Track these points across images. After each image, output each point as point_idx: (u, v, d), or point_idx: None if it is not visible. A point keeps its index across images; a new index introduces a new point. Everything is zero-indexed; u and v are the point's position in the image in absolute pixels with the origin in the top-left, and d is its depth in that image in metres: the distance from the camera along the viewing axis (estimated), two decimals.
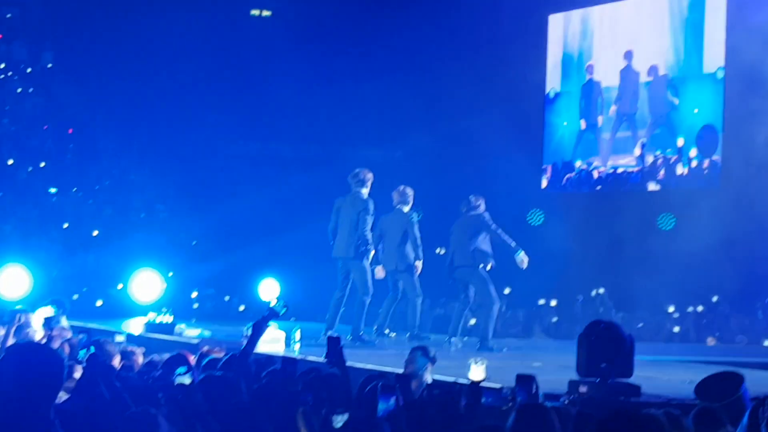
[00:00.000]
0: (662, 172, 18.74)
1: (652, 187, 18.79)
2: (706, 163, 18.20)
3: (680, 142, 18.51)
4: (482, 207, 13.08)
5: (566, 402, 7.49)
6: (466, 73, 19.54)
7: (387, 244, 13.29)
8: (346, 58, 20.24)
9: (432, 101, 19.98)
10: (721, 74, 17.92)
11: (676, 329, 17.41)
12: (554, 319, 17.66)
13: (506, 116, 19.08)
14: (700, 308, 17.99)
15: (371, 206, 12.86)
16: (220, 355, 8.11)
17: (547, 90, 20.40)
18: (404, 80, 19.69)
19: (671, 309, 17.88)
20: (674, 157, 18.55)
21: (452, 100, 19.71)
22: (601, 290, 18.18)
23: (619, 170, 19.36)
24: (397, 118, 20.02)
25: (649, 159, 18.88)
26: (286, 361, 6.99)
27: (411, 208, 13.39)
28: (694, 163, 18.33)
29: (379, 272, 13.25)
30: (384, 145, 20.06)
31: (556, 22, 20.41)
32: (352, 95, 19.88)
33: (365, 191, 12.90)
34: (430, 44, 19.90)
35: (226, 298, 19.02)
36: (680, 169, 18.49)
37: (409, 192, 13.32)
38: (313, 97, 19.99)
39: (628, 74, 19.29)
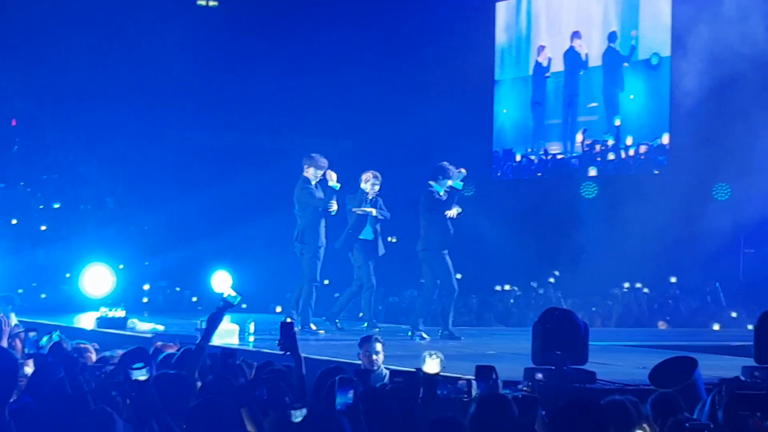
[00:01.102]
0: (609, 156, 19.01)
1: (593, 172, 19.06)
2: (643, 148, 18.53)
3: (617, 122, 18.84)
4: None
5: (524, 389, 7.51)
6: (415, 62, 19.60)
7: None
8: (295, 49, 20.15)
9: (382, 91, 19.98)
10: (655, 60, 18.21)
11: (627, 313, 17.55)
12: (511, 301, 17.76)
13: (455, 104, 19.15)
14: (646, 290, 18.18)
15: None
16: (174, 350, 8.03)
17: (495, 77, 20.62)
18: (354, 71, 19.68)
19: (626, 287, 18.04)
20: (611, 141, 18.87)
21: (402, 90, 19.73)
22: (552, 279, 18.31)
23: (559, 156, 19.65)
24: (348, 108, 19.99)
25: (589, 144, 19.21)
26: (226, 354, 6.93)
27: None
28: (631, 152, 18.64)
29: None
30: (335, 135, 20.02)
31: (502, 9, 20.58)
32: (303, 87, 19.83)
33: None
34: (380, 34, 19.90)
35: (177, 289, 18.89)
36: (620, 154, 18.80)
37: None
38: (265, 89, 19.91)
39: (570, 61, 19.54)
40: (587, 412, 4.39)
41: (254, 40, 20.02)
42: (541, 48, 19.98)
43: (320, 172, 12.83)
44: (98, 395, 5.95)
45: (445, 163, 12.68)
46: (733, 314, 17.01)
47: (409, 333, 12.48)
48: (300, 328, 12.42)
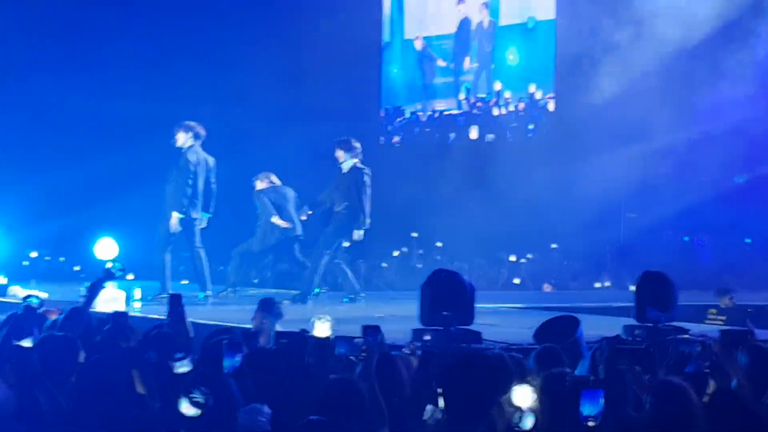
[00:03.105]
0: (494, 112, 19.51)
1: (474, 132, 19.58)
2: (522, 105, 19.06)
3: (497, 86, 19.35)
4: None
5: (408, 351, 7.58)
6: (306, 31, 19.48)
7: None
8: (178, 11, 19.87)
9: (275, 58, 19.84)
10: (532, 24, 18.67)
11: (515, 280, 17.82)
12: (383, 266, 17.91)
13: (345, 69, 19.18)
14: (530, 255, 18.47)
15: None
16: (56, 315, 7.92)
17: (383, 40, 20.81)
18: (244, 38, 19.50)
19: (510, 258, 18.30)
20: (493, 100, 19.35)
21: (293, 59, 19.64)
22: (439, 243, 18.49)
23: (445, 113, 20.09)
24: (240, 76, 19.78)
25: (472, 101, 19.70)
26: (118, 315, 6.88)
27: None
28: (511, 107, 19.17)
29: None
30: (226, 103, 19.86)
31: None
32: (191, 52, 19.59)
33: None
34: (270, 5, 19.74)
35: (62, 259, 18.56)
36: (496, 111, 19.24)
37: None
38: (153, 54, 19.57)
39: (456, 24, 19.97)
40: (470, 367, 4.46)
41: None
42: (425, 11, 20.41)
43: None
44: None
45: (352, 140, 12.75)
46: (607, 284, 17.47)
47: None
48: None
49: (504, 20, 19.45)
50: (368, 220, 12.51)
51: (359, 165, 12.61)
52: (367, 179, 12.50)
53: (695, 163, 17.34)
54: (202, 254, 12.84)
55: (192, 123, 12.78)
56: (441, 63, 20.19)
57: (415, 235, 18.89)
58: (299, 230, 13.43)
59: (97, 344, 6.76)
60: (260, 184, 13.71)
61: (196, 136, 12.69)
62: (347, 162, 12.61)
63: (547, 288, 17.50)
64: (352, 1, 19.43)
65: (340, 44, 19.27)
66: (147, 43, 19.63)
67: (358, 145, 12.68)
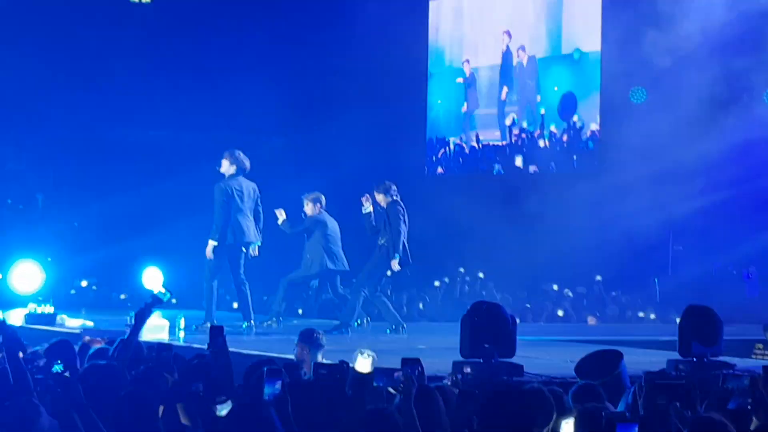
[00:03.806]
0: (540, 143, 19.48)
1: (519, 162, 19.57)
2: (566, 137, 19.04)
3: (542, 116, 19.32)
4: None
5: (449, 383, 7.57)
6: (352, 60, 19.62)
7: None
8: (229, 46, 20.08)
9: (315, 89, 20.00)
10: (577, 55, 18.67)
11: (559, 312, 17.72)
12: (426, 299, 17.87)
13: (391, 98, 19.33)
14: (580, 289, 18.37)
15: None
16: (101, 345, 8.00)
17: (428, 70, 20.94)
18: (285, 69, 19.66)
19: (554, 287, 18.22)
20: (537, 131, 19.35)
21: (341, 90, 19.76)
22: (481, 275, 18.45)
23: (490, 143, 20.15)
24: (286, 107, 19.93)
25: (516, 134, 19.69)
26: (162, 348, 6.92)
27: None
28: (555, 138, 19.12)
29: None
30: (268, 132, 20.02)
31: (435, 5, 20.93)
32: (236, 84, 19.78)
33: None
34: (311, 32, 19.89)
35: (94, 286, 18.69)
36: (541, 143, 19.30)
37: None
38: (197, 86, 19.77)
39: (500, 55, 20.03)
40: (508, 402, 4.45)
41: (187, 37, 19.90)
42: (470, 43, 20.45)
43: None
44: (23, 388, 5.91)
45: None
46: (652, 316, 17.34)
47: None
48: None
49: (549, 52, 19.46)
50: (399, 253, 12.62)
51: (395, 198, 12.76)
52: (401, 212, 12.65)
53: (744, 195, 17.20)
54: (244, 287, 12.91)
55: (239, 153, 12.90)
56: (485, 93, 20.22)
57: (462, 270, 18.82)
58: (346, 265, 13.46)
59: (141, 374, 6.79)
60: (313, 208, 13.64)
61: (240, 167, 12.80)
62: (385, 200, 12.77)
63: (591, 321, 17.40)
64: (398, 31, 19.50)
65: (385, 74, 19.40)
66: (197, 75, 19.82)
67: (393, 186, 12.87)
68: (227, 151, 12.92)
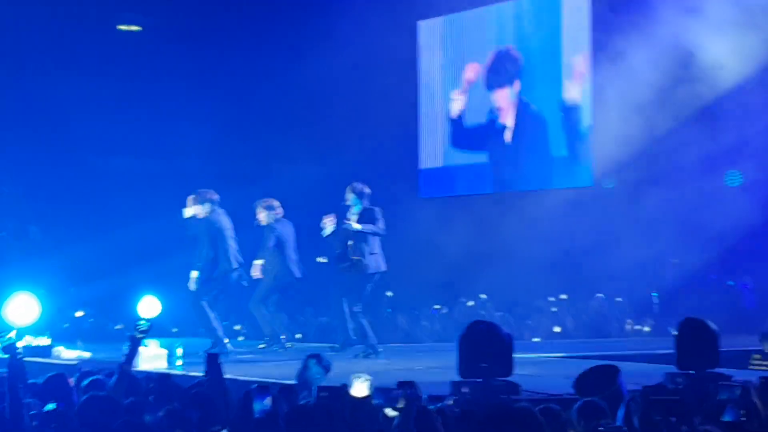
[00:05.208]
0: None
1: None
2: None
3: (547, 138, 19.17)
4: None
5: (449, 403, 7.56)
6: (344, 86, 19.58)
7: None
8: (223, 73, 20.12)
9: (312, 117, 19.98)
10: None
11: (556, 328, 17.71)
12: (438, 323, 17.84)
13: (383, 126, 19.31)
14: (578, 305, 18.37)
15: None
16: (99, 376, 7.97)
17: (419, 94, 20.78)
18: (280, 96, 19.64)
19: (552, 309, 18.19)
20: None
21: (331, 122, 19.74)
22: (483, 296, 18.43)
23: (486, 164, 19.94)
24: (277, 135, 19.96)
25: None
26: (161, 377, 6.93)
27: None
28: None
29: None
30: (268, 161, 20.05)
31: (425, 27, 20.81)
32: (233, 113, 19.83)
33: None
34: (306, 60, 19.90)
35: (91, 318, 18.69)
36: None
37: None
38: (190, 115, 19.76)
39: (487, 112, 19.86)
40: (500, 423, 4.45)
41: (179, 64, 19.90)
42: (462, 64, 20.36)
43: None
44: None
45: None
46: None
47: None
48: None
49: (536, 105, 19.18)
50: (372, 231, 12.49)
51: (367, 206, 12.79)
52: (378, 214, 12.63)
53: (738, 207, 17.21)
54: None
55: (204, 191, 12.96)
56: (482, 114, 19.98)
57: (470, 303, 18.69)
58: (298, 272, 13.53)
59: (139, 404, 6.80)
60: (267, 216, 13.59)
61: (212, 203, 12.89)
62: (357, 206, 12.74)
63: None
64: (388, 64, 19.44)
65: (375, 99, 19.35)
66: (191, 107, 19.78)
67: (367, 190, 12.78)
68: (195, 195, 13.00)
